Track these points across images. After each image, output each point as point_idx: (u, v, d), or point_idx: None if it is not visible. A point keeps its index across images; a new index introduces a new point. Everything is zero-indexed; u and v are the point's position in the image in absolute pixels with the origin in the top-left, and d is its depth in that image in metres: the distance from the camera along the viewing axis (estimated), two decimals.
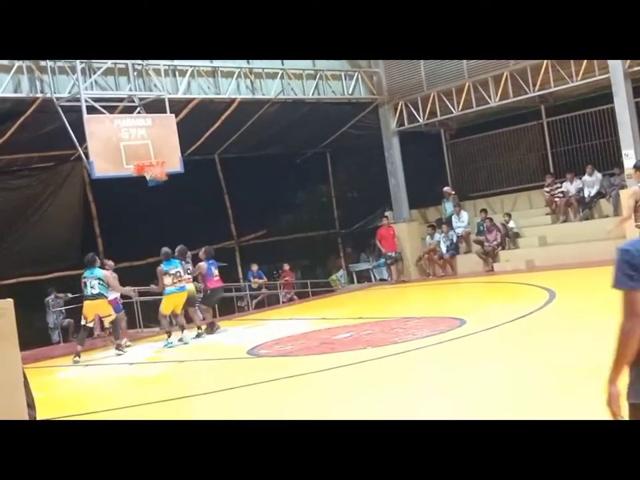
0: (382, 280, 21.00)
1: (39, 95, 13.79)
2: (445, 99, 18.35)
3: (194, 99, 16.11)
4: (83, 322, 12.91)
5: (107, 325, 13.58)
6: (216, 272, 14.38)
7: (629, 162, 15.61)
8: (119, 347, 12.85)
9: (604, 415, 3.19)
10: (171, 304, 13.42)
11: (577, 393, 5.83)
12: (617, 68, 15.33)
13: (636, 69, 15.36)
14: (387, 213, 20.04)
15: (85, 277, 12.84)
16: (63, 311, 16.71)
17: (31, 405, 5.65)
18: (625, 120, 15.64)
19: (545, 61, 16.23)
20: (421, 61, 18.10)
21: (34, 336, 15.80)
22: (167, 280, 13.30)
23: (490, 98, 17.52)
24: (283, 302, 19.42)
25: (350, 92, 18.86)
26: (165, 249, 13.59)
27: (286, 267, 20.41)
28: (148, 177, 13.78)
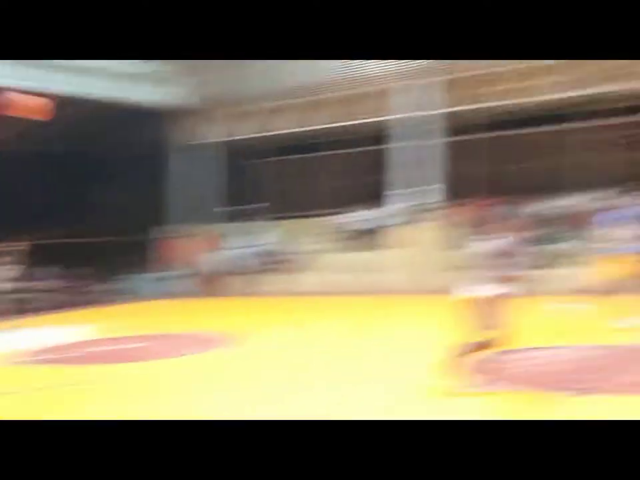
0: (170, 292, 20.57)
1: None
2: (260, 116, 18.45)
3: None
4: None
5: None
6: None
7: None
8: None
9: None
10: None
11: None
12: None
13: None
14: (172, 227, 19.85)
15: None
16: None
17: None
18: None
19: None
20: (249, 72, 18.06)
21: None
22: None
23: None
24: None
25: (157, 98, 18.32)
26: None
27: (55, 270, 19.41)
28: None
